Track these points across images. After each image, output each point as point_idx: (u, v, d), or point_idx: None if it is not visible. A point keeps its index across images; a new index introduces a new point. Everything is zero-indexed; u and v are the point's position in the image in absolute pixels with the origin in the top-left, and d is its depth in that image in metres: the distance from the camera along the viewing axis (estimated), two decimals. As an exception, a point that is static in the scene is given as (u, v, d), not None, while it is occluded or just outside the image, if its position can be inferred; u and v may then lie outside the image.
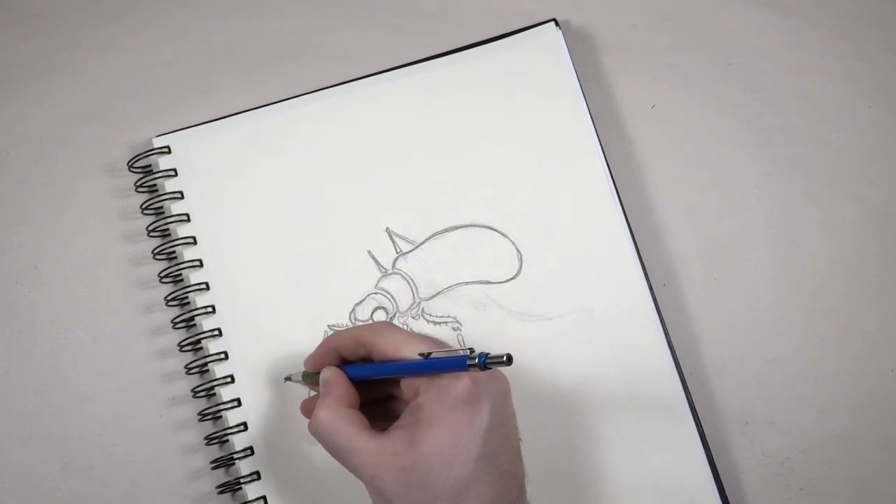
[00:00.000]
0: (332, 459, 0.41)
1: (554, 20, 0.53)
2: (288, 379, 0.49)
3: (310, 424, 0.42)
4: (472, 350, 0.38)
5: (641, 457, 0.48)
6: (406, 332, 0.43)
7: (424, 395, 0.40)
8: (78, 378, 0.50)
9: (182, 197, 0.51)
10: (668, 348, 0.49)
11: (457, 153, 0.52)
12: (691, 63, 0.54)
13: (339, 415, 0.41)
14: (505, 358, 0.37)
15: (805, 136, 0.53)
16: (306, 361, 0.46)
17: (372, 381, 0.43)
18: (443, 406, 0.39)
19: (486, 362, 0.37)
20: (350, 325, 0.50)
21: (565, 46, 0.53)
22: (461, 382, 0.39)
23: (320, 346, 0.45)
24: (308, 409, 0.46)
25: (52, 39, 0.55)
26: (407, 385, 0.41)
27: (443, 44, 0.54)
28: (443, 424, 0.38)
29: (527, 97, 0.52)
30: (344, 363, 0.44)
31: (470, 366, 0.37)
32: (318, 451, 0.48)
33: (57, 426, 0.50)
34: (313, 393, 0.47)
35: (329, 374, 0.43)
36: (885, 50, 0.55)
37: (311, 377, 0.46)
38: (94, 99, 0.54)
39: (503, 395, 0.41)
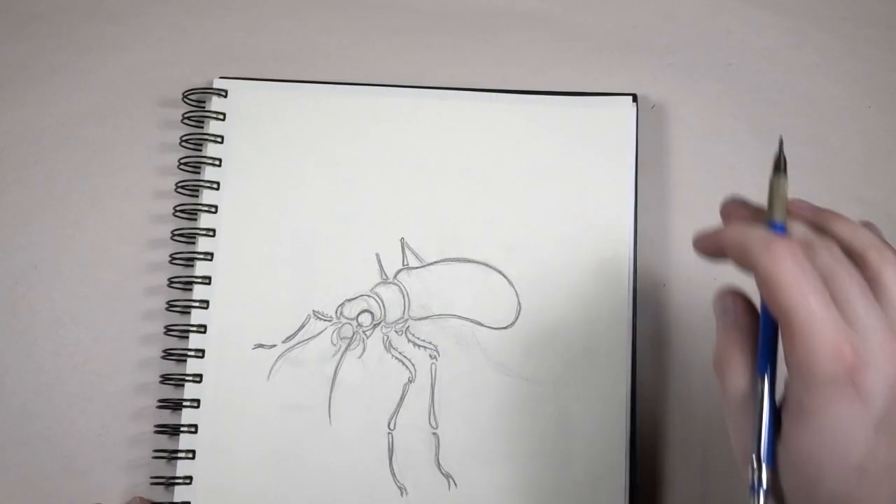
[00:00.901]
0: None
1: (633, 95, 0.53)
2: None
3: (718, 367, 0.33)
4: None
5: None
6: None
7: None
8: (78, 378, 0.50)
9: (221, 142, 0.52)
10: (627, 447, 0.48)
11: (494, 190, 0.52)
12: (691, 63, 0.54)
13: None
14: None
15: (805, 136, 0.53)
16: (703, 242, 0.35)
17: None
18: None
19: None
20: (335, 318, 0.50)
21: (635, 121, 0.52)
22: None
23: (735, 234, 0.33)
24: (705, 246, 0.35)
25: (52, 39, 0.55)
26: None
27: (524, 83, 0.54)
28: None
29: (580, 158, 0.52)
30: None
31: None
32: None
33: (57, 426, 0.50)
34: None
35: (737, 309, 0.34)
36: (885, 50, 0.55)
37: (704, 251, 0.36)
38: (94, 99, 0.54)
39: None
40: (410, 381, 0.49)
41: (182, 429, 0.49)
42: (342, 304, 0.50)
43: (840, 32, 0.55)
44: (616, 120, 0.52)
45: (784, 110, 0.54)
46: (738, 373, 0.32)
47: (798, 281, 0.29)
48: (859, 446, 0.28)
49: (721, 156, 0.53)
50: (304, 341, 0.50)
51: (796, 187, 0.53)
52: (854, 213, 0.52)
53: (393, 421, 0.49)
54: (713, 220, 0.52)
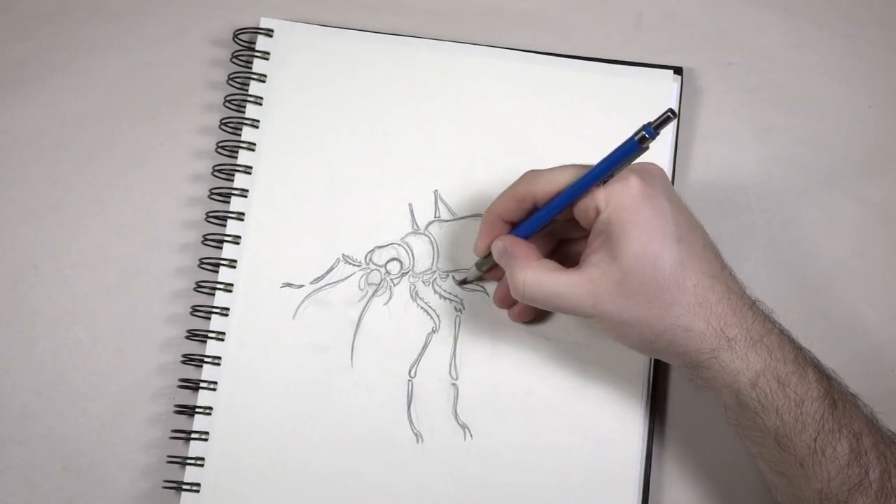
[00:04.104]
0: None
1: (676, 68, 0.53)
2: (463, 282, 0.50)
3: (514, 291, 0.43)
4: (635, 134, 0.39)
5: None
6: (548, 168, 0.44)
7: (605, 209, 0.41)
8: (78, 378, 0.50)
9: (264, 81, 0.53)
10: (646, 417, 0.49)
11: (529, 150, 0.52)
12: (691, 63, 0.54)
13: (536, 268, 0.42)
14: (669, 114, 0.38)
15: (805, 136, 0.53)
16: (475, 248, 0.47)
17: (540, 234, 0.45)
18: (627, 209, 0.40)
19: (654, 129, 0.39)
20: (364, 263, 0.50)
21: (678, 96, 0.52)
22: (631, 182, 0.40)
23: (482, 225, 0.46)
24: (501, 297, 0.48)
25: (52, 39, 0.55)
26: (582, 212, 0.42)
27: (571, 48, 0.54)
28: (635, 225, 0.40)
29: (616, 127, 0.51)
30: (510, 230, 0.45)
31: (641, 141, 0.39)
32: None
33: (57, 426, 0.50)
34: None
35: (502, 242, 0.44)
36: (886, 50, 0.55)
37: (485, 262, 0.47)
38: (94, 99, 0.54)
39: (667, 180, 0.43)
40: (434, 331, 0.50)
41: (206, 359, 0.49)
42: (372, 251, 0.51)
43: (840, 32, 0.55)
44: (656, 93, 0.52)
45: (784, 110, 0.54)
46: (528, 261, 0.43)
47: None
48: (672, 227, 0.40)
49: (721, 155, 0.53)
50: (331, 284, 0.50)
51: (797, 187, 0.53)
52: (854, 212, 0.52)
53: (414, 369, 0.50)
54: (713, 216, 0.52)
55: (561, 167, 0.43)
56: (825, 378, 0.41)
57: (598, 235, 0.41)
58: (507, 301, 0.48)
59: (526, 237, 0.44)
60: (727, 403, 0.41)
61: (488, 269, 0.48)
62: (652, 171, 0.42)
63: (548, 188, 0.43)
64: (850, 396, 0.42)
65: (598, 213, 0.41)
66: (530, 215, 0.44)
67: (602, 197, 0.41)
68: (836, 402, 0.40)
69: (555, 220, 0.44)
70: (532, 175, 0.44)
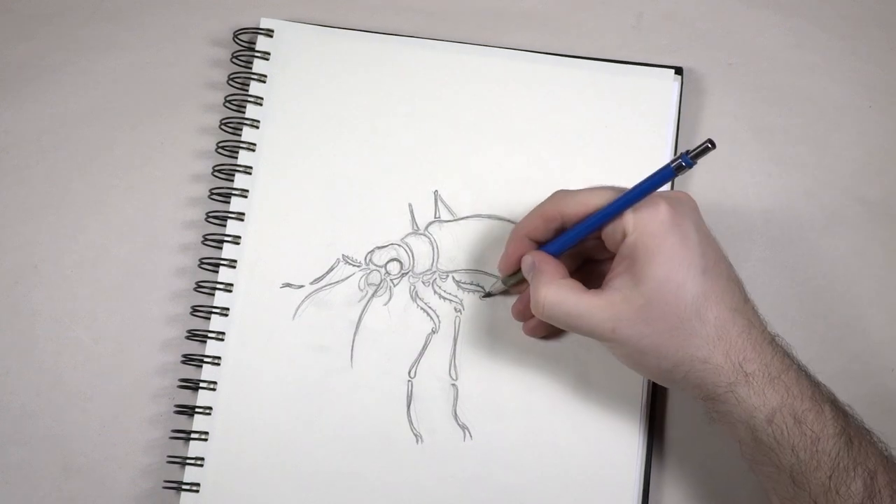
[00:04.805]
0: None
1: (677, 68, 0.53)
2: (487, 295, 0.50)
3: (534, 307, 0.43)
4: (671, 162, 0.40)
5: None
6: (579, 189, 0.44)
7: (632, 234, 0.41)
8: (78, 378, 0.50)
9: (265, 81, 0.53)
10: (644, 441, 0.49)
11: (529, 150, 0.52)
12: (691, 63, 0.54)
13: (559, 286, 0.42)
14: (708, 144, 0.38)
15: (805, 136, 0.53)
16: (500, 265, 0.47)
17: (567, 251, 0.45)
18: (654, 236, 0.40)
19: (691, 158, 0.39)
20: (364, 264, 0.50)
21: (677, 95, 0.52)
22: (660, 209, 0.40)
23: (508, 242, 0.46)
24: (519, 310, 0.48)
25: (52, 39, 0.55)
26: (610, 234, 0.42)
27: (571, 48, 0.54)
28: (661, 252, 0.40)
29: (617, 126, 0.52)
30: (536, 247, 0.46)
31: (678, 169, 0.39)
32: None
33: (57, 426, 0.50)
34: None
35: (531, 257, 0.44)
36: (886, 50, 0.55)
37: (511, 278, 0.47)
38: (94, 99, 0.54)
39: (697, 210, 0.42)
40: (434, 331, 0.50)
41: (206, 360, 0.49)
42: (372, 251, 0.51)
43: (840, 32, 0.55)
44: (657, 93, 0.52)
45: (784, 110, 0.54)
46: (553, 280, 0.43)
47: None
48: (698, 257, 0.40)
49: (721, 156, 0.53)
50: (331, 284, 0.50)
51: (797, 187, 0.53)
52: (854, 212, 0.52)
53: (414, 369, 0.50)
54: (713, 216, 0.52)
55: (592, 189, 0.43)
56: (841, 415, 0.41)
57: (623, 259, 0.41)
58: (524, 314, 0.48)
59: (554, 255, 0.44)
60: (742, 438, 0.41)
61: (514, 283, 0.48)
62: (682, 199, 0.42)
63: (577, 210, 0.43)
64: (865, 433, 0.41)
65: (624, 236, 0.41)
66: (556, 235, 0.44)
67: (630, 221, 0.41)
68: (851, 439, 0.40)
69: (581, 240, 0.44)
70: (562, 195, 0.44)
